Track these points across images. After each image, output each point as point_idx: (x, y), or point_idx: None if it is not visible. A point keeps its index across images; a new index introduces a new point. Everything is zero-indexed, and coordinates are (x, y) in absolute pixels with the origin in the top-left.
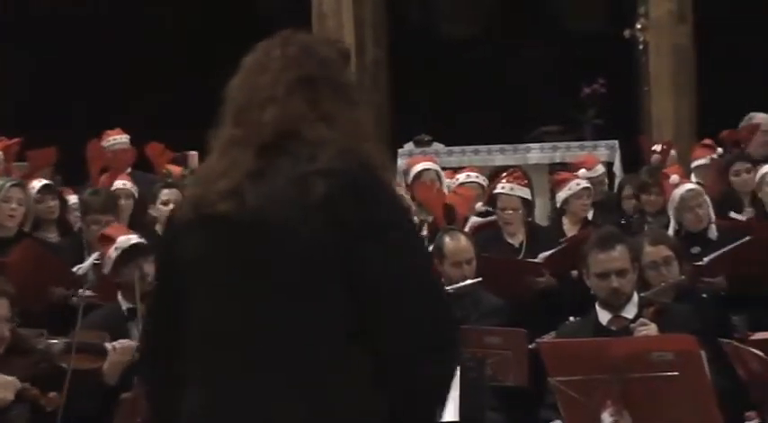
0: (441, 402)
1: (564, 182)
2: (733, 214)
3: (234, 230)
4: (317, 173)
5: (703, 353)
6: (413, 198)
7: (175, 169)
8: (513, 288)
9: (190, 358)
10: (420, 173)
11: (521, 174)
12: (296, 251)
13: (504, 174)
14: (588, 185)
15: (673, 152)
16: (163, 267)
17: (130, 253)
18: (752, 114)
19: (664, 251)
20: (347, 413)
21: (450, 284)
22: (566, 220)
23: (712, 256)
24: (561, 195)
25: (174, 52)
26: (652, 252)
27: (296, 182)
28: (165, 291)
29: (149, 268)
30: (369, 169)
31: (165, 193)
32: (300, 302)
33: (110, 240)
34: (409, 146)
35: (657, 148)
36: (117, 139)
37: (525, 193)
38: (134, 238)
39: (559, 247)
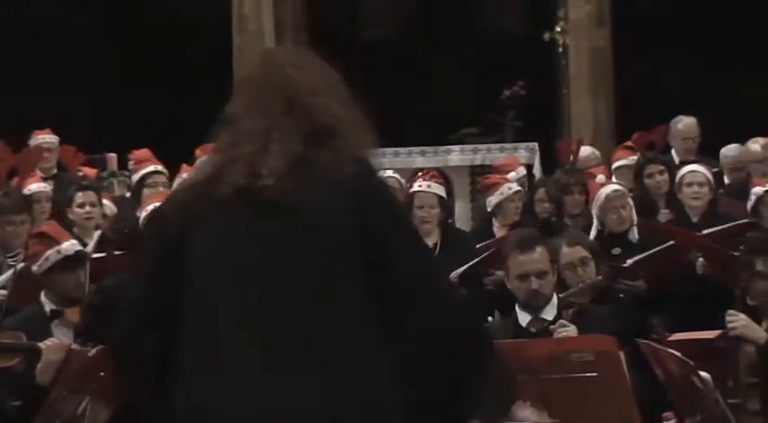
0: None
1: (495, 186)
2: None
3: (267, 210)
4: (350, 161)
5: (622, 354)
6: None
7: (90, 171)
8: None
9: (198, 344)
10: None
11: (437, 173)
12: (322, 233)
13: (420, 173)
14: (519, 189)
15: (596, 152)
16: (168, 243)
17: (71, 260)
18: (679, 117)
19: (580, 252)
20: (371, 406)
21: None
22: (496, 223)
23: (635, 258)
24: (493, 200)
25: (93, 55)
26: (569, 253)
27: (332, 167)
28: (168, 268)
29: (83, 277)
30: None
31: (80, 196)
32: (330, 290)
33: (49, 240)
34: None
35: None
36: (45, 138)
37: (441, 191)
38: (77, 246)
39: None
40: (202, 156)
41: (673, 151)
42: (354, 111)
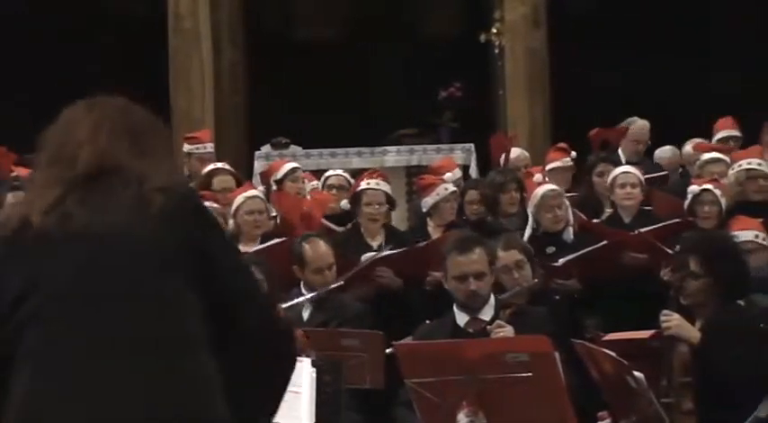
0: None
1: (431, 186)
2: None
3: (62, 245)
4: (154, 189)
5: (557, 354)
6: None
7: (23, 171)
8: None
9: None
10: (289, 173)
11: (382, 172)
12: (141, 255)
13: (366, 172)
14: (455, 189)
15: (525, 153)
16: None
17: None
18: (632, 118)
19: (516, 255)
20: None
21: (311, 291)
22: (431, 224)
23: (567, 258)
24: (429, 200)
25: (28, 51)
26: (504, 256)
27: (133, 198)
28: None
29: None
30: (192, 188)
31: (11, 197)
32: (149, 304)
33: None
34: (266, 148)
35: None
36: None
37: (389, 189)
38: None
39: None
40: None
41: (620, 151)
42: (147, 151)
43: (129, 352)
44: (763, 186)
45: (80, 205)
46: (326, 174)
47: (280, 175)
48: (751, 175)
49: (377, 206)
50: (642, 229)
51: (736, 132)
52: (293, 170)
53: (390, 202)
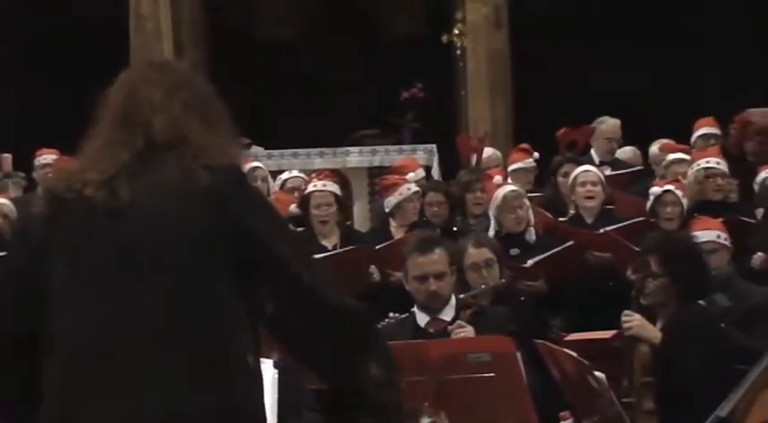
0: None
1: (393, 186)
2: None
3: (103, 219)
4: (202, 167)
5: (519, 354)
6: None
7: None
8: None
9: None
10: (249, 172)
11: (330, 173)
12: (179, 236)
13: (314, 174)
14: (418, 189)
15: (497, 153)
16: (20, 257)
17: None
18: (603, 118)
19: (486, 253)
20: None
21: None
22: (394, 224)
23: (536, 259)
24: (392, 200)
25: None
26: (474, 254)
27: (181, 173)
28: (20, 281)
29: None
30: (240, 167)
31: None
32: (187, 287)
33: None
34: None
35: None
36: None
37: (337, 189)
38: None
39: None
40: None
41: (592, 151)
42: (212, 123)
43: (153, 343)
44: (722, 185)
45: (131, 180)
46: (284, 176)
47: None
48: (709, 173)
49: (325, 207)
50: (606, 229)
51: (715, 131)
52: (253, 170)
53: (340, 202)
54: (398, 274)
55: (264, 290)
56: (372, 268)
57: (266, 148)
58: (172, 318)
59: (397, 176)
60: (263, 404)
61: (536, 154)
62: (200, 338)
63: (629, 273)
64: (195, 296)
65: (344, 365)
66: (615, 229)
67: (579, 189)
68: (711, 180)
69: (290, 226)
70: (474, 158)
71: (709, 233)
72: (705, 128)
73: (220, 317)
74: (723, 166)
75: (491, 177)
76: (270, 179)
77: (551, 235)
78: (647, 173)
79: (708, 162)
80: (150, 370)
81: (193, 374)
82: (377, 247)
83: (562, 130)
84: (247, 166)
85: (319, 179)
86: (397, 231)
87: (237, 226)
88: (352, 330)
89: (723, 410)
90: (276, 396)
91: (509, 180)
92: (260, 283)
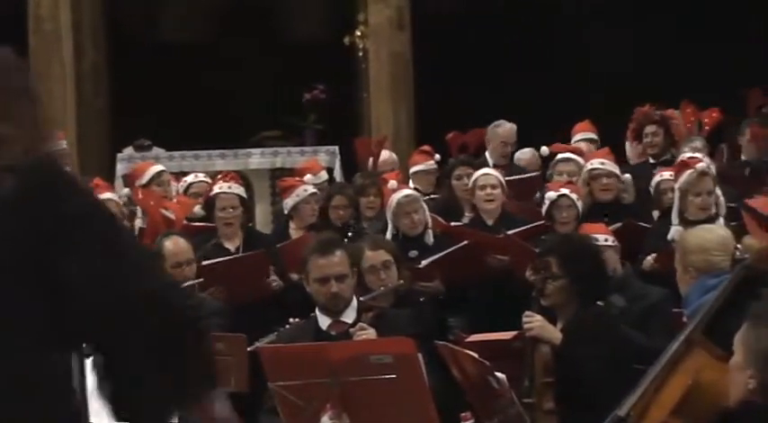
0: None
1: (291, 188)
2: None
3: None
4: (4, 168)
5: (420, 355)
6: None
7: None
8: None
9: None
10: (155, 176)
11: (235, 175)
12: None
13: (219, 176)
14: (316, 191)
15: (393, 156)
16: None
17: None
18: (500, 121)
19: (383, 256)
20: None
21: None
22: (292, 226)
23: (429, 259)
24: (289, 202)
25: None
26: (372, 256)
27: None
28: None
29: None
30: (54, 165)
31: None
32: None
33: None
34: (129, 150)
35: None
36: None
37: (242, 191)
38: None
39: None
40: None
41: (487, 154)
42: (9, 109)
43: None
44: (607, 184)
45: None
46: (188, 180)
47: (146, 179)
48: (594, 174)
49: (230, 210)
50: (507, 233)
51: (592, 135)
52: (159, 173)
53: (245, 204)
54: (296, 276)
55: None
56: (273, 273)
57: (167, 150)
58: None
59: (295, 178)
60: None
61: (437, 156)
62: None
63: (528, 274)
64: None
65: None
66: (516, 232)
67: (479, 192)
68: (597, 180)
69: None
70: (371, 162)
71: (597, 237)
72: (582, 132)
73: (15, 330)
74: (609, 166)
75: (386, 182)
76: (171, 183)
77: (450, 237)
78: (535, 180)
79: (592, 163)
80: None
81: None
82: (278, 246)
83: (452, 134)
84: (152, 169)
85: (225, 181)
86: (295, 233)
87: (42, 237)
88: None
89: (622, 410)
90: None
91: (410, 182)
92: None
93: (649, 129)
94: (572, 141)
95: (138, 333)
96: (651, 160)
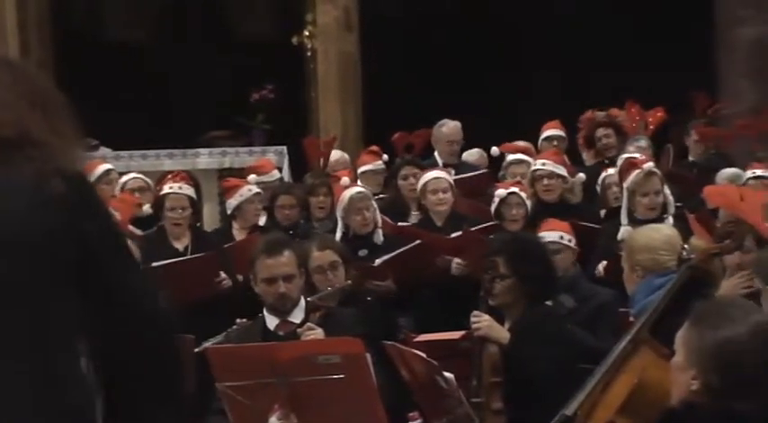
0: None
1: (235, 188)
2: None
3: None
4: (54, 172)
5: (368, 355)
6: None
7: None
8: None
9: None
10: (103, 175)
11: (186, 175)
12: (25, 244)
13: (170, 176)
14: (259, 191)
15: (345, 156)
16: None
17: None
18: (443, 121)
19: (330, 256)
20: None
21: None
22: (236, 226)
23: (383, 258)
24: (233, 202)
25: None
26: (319, 257)
27: (31, 179)
28: None
29: None
30: (89, 179)
31: None
32: (27, 300)
33: None
34: None
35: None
36: None
37: (192, 192)
38: None
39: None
40: None
41: (436, 154)
42: (56, 123)
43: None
44: (548, 185)
45: None
46: (124, 178)
47: (92, 178)
48: (536, 175)
49: (179, 210)
50: (455, 234)
51: (560, 132)
52: (107, 172)
53: (194, 205)
54: (240, 277)
55: (96, 317)
56: (222, 274)
57: (115, 150)
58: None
59: (238, 179)
60: (94, 409)
61: (385, 156)
62: (26, 347)
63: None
64: (20, 304)
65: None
66: (465, 233)
67: (431, 197)
68: (539, 181)
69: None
70: (321, 162)
71: (552, 234)
72: (550, 130)
73: (47, 324)
74: (550, 166)
75: (338, 179)
76: (117, 182)
77: (400, 237)
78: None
79: (536, 164)
80: None
81: (31, 382)
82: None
83: (397, 134)
84: (100, 168)
85: (175, 181)
86: (239, 233)
87: (83, 243)
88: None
89: (569, 409)
90: None
91: (359, 182)
92: (93, 308)
93: (600, 132)
94: (540, 139)
95: (144, 352)
96: (607, 161)
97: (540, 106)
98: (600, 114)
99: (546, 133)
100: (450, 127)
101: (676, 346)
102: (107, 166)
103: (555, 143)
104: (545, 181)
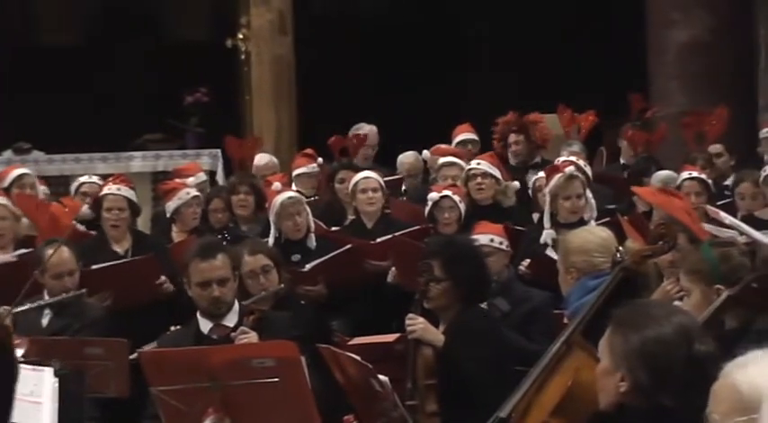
0: None
1: (173, 191)
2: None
3: None
4: None
5: (303, 359)
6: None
7: None
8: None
9: None
10: (16, 179)
11: (126, 178)
12: None
13: (110, 178)
14: (198, 194)
15: (273, 159)
16: None
17: None
18: (360, 125)
19: (262, 260)
20: None
21: (51, 296)
22: (175, 229)
23: (314, 263)
24: (171, 205)
25: None
26: (251, 261)
27: None
28: None
29: None
30: None
31: None
32: None
33: None
34: (8, 153)
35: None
36: None
37: (131, 194)
38: None
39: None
40: None
41: (356, 159)
42: None
43: None
44: (481, 183)
45: None
46: (80, 180)
47: (7, 182)
48: (470, 174)
49: (117, 212)
50: (383, 238)
51: (473, 136)
52: (20, 177)
53: (133, 207)
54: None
55: None
56: (162, 278)
57: (47, 153)
58: None
59: (177, 181)
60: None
61: (320, 159)
62: None
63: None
64: None
65: None
66: (397, 236)
67: (360, 196)
68: (472, 180)
69: None
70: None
71: (483, 237)
72: (463, 134)
73: None
74: (484, 166)
75: (270, 184)
76: (38, 186)
77: (331, 241)
78: (399, 183)
79: (470, 164)
80: None
81: None
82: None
83: (333, 138)
84: (14, 173)
85: (114, 183)
86: (178, 236)
87: None
88: None
89: (503, 411)
90: (56, 405)
91: (293, 185)
92: None
93: (511, 138)
94: (453, 143)
95: None
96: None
97: (476, 108)
98: (517, 118)
99: (459, 137)
100: (364, 131)
101: (600, 352)
102: (22, 170)
103: (469, 147)
104: (478, 179)
